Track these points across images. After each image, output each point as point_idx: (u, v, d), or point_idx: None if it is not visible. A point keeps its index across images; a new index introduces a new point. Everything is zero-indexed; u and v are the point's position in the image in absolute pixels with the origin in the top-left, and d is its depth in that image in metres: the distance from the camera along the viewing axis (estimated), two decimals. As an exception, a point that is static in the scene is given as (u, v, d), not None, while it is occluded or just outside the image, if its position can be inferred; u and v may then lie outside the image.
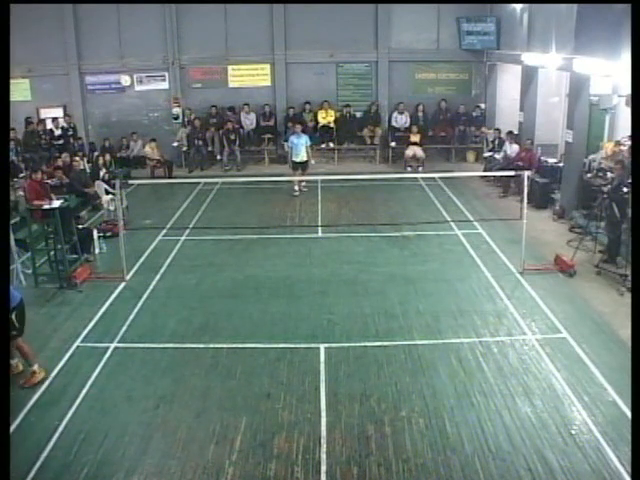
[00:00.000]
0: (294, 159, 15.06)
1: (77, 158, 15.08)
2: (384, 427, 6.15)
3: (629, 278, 8.63)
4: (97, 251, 11.35)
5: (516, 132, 15.93)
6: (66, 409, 6.50)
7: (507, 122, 17.19)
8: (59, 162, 14.98)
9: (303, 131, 15.64)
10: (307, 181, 15.20)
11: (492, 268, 10.18)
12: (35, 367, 7.02)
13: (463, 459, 5.68)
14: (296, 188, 14.96)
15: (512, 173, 11.63)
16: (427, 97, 19.05)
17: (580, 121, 12.43)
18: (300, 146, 14.90)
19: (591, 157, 12.56)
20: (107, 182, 14.33)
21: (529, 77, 15.12)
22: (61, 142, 17.73)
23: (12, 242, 9.78)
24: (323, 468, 5.62)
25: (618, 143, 11.76)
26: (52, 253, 10.06)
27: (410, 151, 17.51)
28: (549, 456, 5.68)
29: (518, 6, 15.36)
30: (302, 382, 7.00)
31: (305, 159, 15.04)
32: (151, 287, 9.76)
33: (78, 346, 7.88)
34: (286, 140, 16.69)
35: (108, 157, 16.10)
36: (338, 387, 6.87)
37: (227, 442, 5.99)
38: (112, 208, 13.03)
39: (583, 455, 5.70)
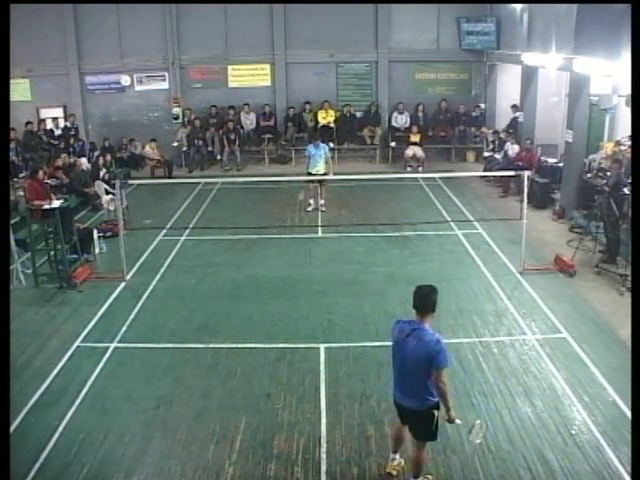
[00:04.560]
0: (310, 170, 13.35)
1: (80, 160, 15.17)
2: (384, 427, 6.14)
3: (629, 278, 8.62)
4: (97, 251, 11.34)
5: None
6: (66, 409, 6.50)
7: (507, 122, 17.19)
8: (59, 162, 14.99)
9: (322, 140, 14.03)
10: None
11: (492, 268, 10.18)
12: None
13: (463, 459, 5.69)
14: (311, 202, 13.60)
15: (512, 173, 11.64)
16: (427, 97, 19.06)
17: (580, 121, 12.43)
18: (318, 157, 13.23)
19: (591, 157, 12.56)
20: (107, 182, 14.35)
21: (529, 77, 15.12)
22: (59, 142, 17.67)
23: (12, 242, 9.79)
24: (323, 468, 5.63)
25: (618, 143, 11.76)
26: (52, 253, 10.06)
27: (410, 151, 17.51)
28: (549, 456, 5.69)
29: (518, 6, 15.36)
30: (302, 382, 7.00)
31: (323, 171, 13.29)
32: (151, 287, 9.76)
33: (78, 346, 7.89)
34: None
35: (109, 157, 16.14)
36: (338, 387, 6.87)
37: (227, 442, 6.00)
38: (112, 208, 13.03)
39: (583, 455, 5.70)
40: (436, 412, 5.00)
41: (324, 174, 13.27)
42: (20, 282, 9.86)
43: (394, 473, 5.50)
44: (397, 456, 5.57)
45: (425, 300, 4.91)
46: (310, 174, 13.36)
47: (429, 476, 5.45)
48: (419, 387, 4.92)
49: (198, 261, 10.90)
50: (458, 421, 5.06)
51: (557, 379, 6.93)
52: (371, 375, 7.06)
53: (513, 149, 15.25)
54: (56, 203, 10.21)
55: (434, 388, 4.91)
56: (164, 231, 12.18)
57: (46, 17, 18.25)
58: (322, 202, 13.59)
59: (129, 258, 10.35)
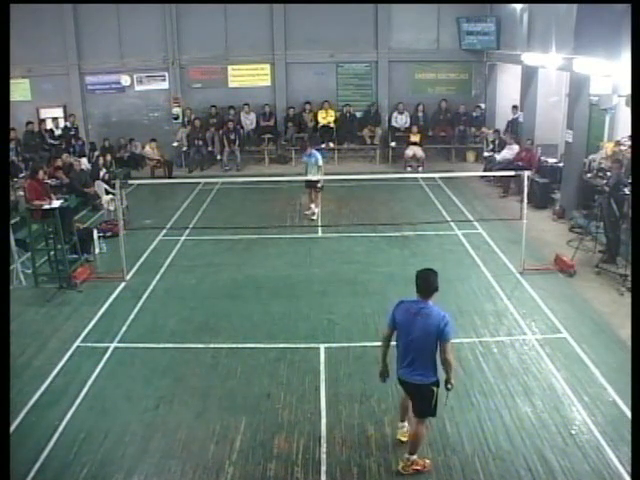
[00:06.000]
0: (307, 177, 13.13)
1: (80, 160, 15.20)
2: (384, 427, 6.15)
3: (629, 278, 8.63)
4: (97, 251, 11.35)
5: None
6: (66, 409, 6.51)
7: (505, 123, 17.20)
8: (59, 162, 14.99)
9: (318, 147, 13.73)
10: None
11: (492, 268, 10.18)
12: (413, 457, 5.53)
13: (463, 459, 5.69)
14: (312, 206, 13.30)
15: (512, 173, 11.64)
16: (427, 97, 19.07)
17: (580, 121, 12.43)
18: (310, 166, 13.06)
19: (591, 157, 12.55)
20: (107, 182, 14.35)
21: (529, 77, 15.12)
22: (59, 142, 17.68)
23: (12, 242, 9.79)
24: (323, 468, 5.63)
25: (618, 143, 11.76)
26: (52, 253, 10.06)
27: (410, 151, 17.52)
28: (549, 456, 5.69)
29: (518, 6, 15.36)
30: (302, 382, 7.00)
31: (316, 179, 12.91)
32: (151, 287, 9.76)
33: (78, 346, 7.89)
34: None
35: (109, 157, 16.13)
36: (338, 387, 6.87)
37: (227, 442, 6.00)
38: (112, 208, 13.03)
39: (583, 455, 5.70)
40: (435, 389, 5.35)
41: (317, 181, 12.93)
42: (20, 282, 9.86)
43: (404, 439, 5.86)
44: (405, 424, 5.92)
45: (428, 283, 5.32)
46: (306, 182, 13.22)
47: (427, 460, 5.57)
48: (425, 363, 5.28)
49: (198, 261, 10.89)
50: (449, 386, 5.37)
51: (557, 379, 6.93)
52: (371, 375, 7.02)
53: (513, 149, 15.23)
54: (56, 203, 10.23)
55: (436, 365, 5.31)
56: (164, 231, 12.18)
57: (46, 17, 18.27)
58: (316, 210, 13.25)
59: (129, 258, 10.35)
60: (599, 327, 8.12)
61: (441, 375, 5.39)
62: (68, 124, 18.46)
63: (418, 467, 5.52)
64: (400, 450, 5.75)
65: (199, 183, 15.96)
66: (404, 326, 5.33)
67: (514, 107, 16.63)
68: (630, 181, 8.75)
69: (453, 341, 7.57)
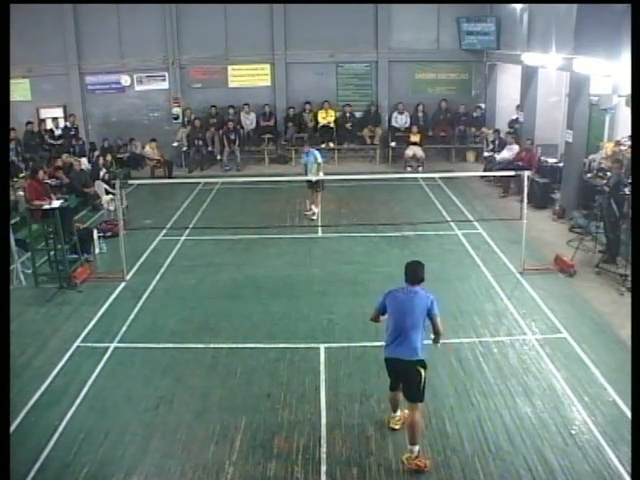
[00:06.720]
0: (308, 177, 13.03)
1: (80, 160, 15.20)
2: (384, 427, 6.14)
3: (629, 278, 8.62)
4: (97, 251, 11.35)
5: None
6: (66, 409, 6.51)
7: (507, 122, 17.20)
8: (59, 162, 14.99)
9: (317, 147, 13.69)
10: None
11: (492, 268, 10.18)
12: (416, 449, 5.62)
13: (463, 459, 5.69)
14: (312, 207, 13.24)
15: (512, 173, 11.64)
16: (427, 97, 19.06)
17: (580, 121, 12.43)
18: (310, 165, 13.00)
19: (591, 157, 12.55)
20: (107, 182, 14.35)
21: (529, 77, 15.12)
22: (60, 142, 17.71)
23: (12, 242, 9.79)
24: (323, 468, 5.63)
25: (618, 143, 11.76)
26: (52, 253, 10.06)
27: (410, 151, 17.52)
28: (549, 456, 5.69)
29: (518, 6, 15.36)
30: (302, 382, 7.00)
31: (315, 178, 12.79)
32: (151, 287, 9.76)
33: (78, 346, 7.89)
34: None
35: (109, 157, 16.13)
36: (338, 387, 6.87)
37: (227, 442, 6.00)
38: (112, 208, 13.03)
39: (583, 455, 5.70)
40: (423, 371, 5.60)
41: (317, 181, 12.79)
42: (20, 282, 9.86)
43: (397, 427, 6.06)
44: (397, 413, 6.10)
45: (416, 273, 5.83)
46: (307, 182, 13.11)
47: (427, 461, 5.57)
48: (413, 341, 5.59)
49: (198, 261, 10.89)
50: (438, 344, 5.83)
51: (557, 379, 6.93)
52: (371, 375, 7.05)
53: (512, 149, 15.22)
54: (56, 203, 10.23)
55: (423, 346, 5.66)
56: (164, 231, 12.18)
57: (46, 17, 18.27)
58: (316, 210, 13.18)
59: (129, 258, 10.34)
60: (599, 327, 8.12)
61: (432, 367, 5.42)
62: (68, 124, 18.47)
63: (420, 464, 5.53)
64: (400, 449, 5.75)
65: (199, 183, 15.95)
66: (394, 306, 5.69)
67: (518, 107, 16.55)
68: (630, 181, 8.75)
69: (453, 341, 7.69)
